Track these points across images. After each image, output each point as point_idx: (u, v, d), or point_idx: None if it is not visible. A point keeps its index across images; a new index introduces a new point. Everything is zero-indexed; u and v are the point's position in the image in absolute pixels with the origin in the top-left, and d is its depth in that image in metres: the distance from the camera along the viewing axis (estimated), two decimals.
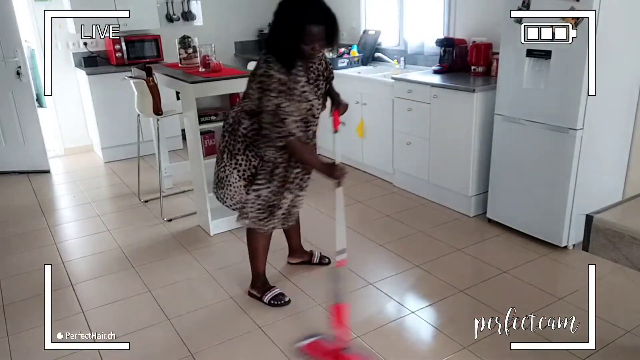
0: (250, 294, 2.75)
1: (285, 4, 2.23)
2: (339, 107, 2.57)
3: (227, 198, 2.54)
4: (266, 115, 2.25)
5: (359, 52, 4.87)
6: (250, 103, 2.32)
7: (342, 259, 2.32)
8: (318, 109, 2.46)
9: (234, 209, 2.59)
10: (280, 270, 3.01)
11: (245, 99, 2.38)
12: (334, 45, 2.28)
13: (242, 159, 2.44)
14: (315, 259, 3.06)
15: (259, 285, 2.73)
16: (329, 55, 3.19)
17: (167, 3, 5.49)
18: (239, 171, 2.45)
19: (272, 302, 2.66)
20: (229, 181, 2.48)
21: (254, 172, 2.45)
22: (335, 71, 4.86)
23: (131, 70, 4.13)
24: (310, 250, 3.08)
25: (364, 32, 4.98)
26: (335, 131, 2.47)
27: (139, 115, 4.00)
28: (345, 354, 2.18)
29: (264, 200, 2.49)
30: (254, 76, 2.30)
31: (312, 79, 2.37)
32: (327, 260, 3.06)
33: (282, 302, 2.66)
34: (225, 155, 2.48)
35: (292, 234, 2.99)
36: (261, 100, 2.24)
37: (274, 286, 2.73)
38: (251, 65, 4.23)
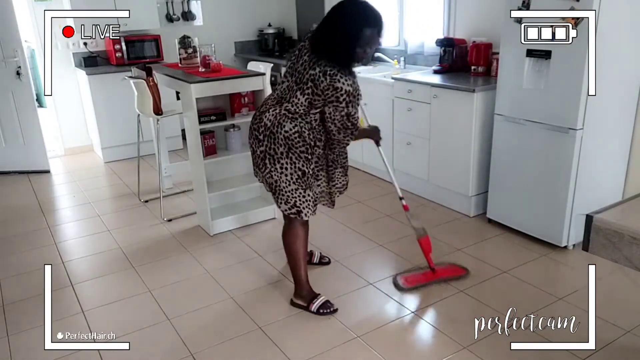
0: (294, 304, 2.65)
1: (341, 9, 2.30)
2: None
3: (281, 203, 2.48)
4: (337, 123, 2.33)
5: None
6: (299, 107, 2.33)
7: (404, 203, 2.90)
8: None
9: (289, 214, 2.50)
10: (280, 270, 3.01)
11: (288, 102, 2.35)
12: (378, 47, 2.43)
13: (286, 163, 2.38)
14: (316, 259, 3.06)
15: (305, 294, 2.62)
16: None
17: (167, 3, 5.49)
18: (286, 175, 2.40)
19: (321, 310, 2.56)
20: (279, 187, 2.44)
21: (301, 174, 2.41)
22: None
23: (131, 70, 4.13)
24: (311, 250, 3.05)
25: None
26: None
27: (139, 115, 4.00)
28: (438, 269, 2.86)
29: (306, 178, 2.45)
30: (312, 82, 2.28)
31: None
32: (327, 259, 3.07)
33: (331, 309, 2.57)
34: (267, 161, 2.41)
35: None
36: (330, 111, 2.30)
37: (319, 294, 2.63)
38: (251, 65, 4.24)
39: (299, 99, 2.33)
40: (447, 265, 2.95)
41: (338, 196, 2.79)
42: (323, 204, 2.76)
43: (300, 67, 2.35)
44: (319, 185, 2.62)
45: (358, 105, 2.37)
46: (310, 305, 2.59)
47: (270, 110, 2.42)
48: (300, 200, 2.44)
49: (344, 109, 2.28)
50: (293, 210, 2.47)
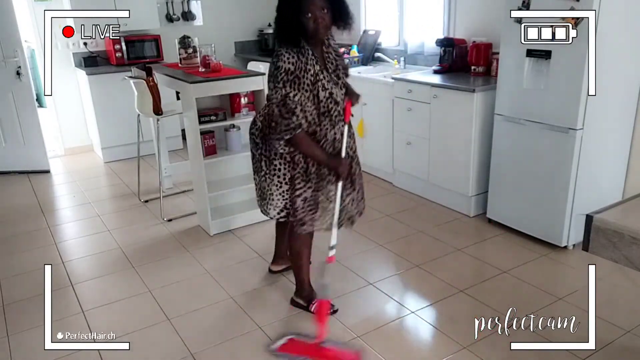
0: (294, 303, 2.64)
1: None
2: (352, 97, 2.44)
3: (270, 209, 2.45)
4: (275, 107, 2.18)
5: (358, 52, 4.87)
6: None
7: (332, 254, 2.33)
8: (341, 98, 2.36)
9: (279, 219, 2.48)
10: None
11: (268, 100, 2.28)
12: (339, 20, 2.21)
13: (279, 163, 2.34)
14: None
15: (305, 295, 2.61)
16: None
17: (167, 3, 5.49)
18: (278, 177, 2.36)
19: None
20: (270, 190, 2.40)
21: (294, 174, 2.34)
22: None
23: (131, 70, 4.13)
24: None
25: (364, 32, 4.98)
26: (345, 123, 2.37)
27: (139, 115, 4.00)
28: (324, 347, 2.18)
29: (312, 201, 2.36)
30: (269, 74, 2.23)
31: (330, 68, 2.30)
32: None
33: (331, 311, 2.50)
34: (263, 164, 2.40)
35: (284, 240, 2.81)
36: (270, 92, 2.20)
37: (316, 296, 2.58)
38: (251, 65, 4.24)
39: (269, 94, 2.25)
40: (340, 347, 2.27)
41: (345, 223, 2.51)
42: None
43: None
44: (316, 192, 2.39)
45: (301, 90, 2.18)
46: (310, 305, 2.58)
47: (262, 111, 2.41)
48: (292, 204, 2.38)
49: (282, 88, 2.15)
50: (283, 214, 2.43)
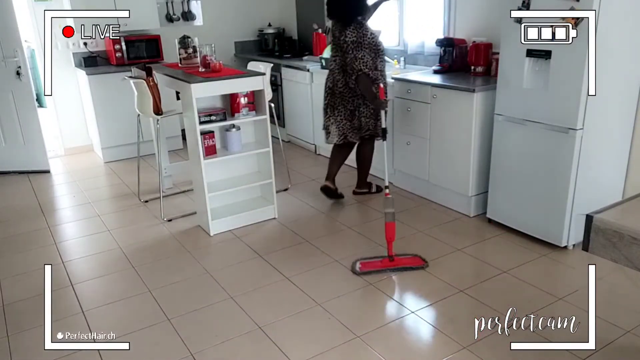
0: (357, 193, 4.11)
1: None
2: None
3: (334, 137, 3.76)
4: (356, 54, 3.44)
5: None
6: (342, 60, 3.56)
7: (387, 192, 3.13)
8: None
9: (338, 142, 3.79)
10: (280, 270, 3.01)
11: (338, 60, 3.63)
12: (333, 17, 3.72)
13: (339, 110, 3.70)
14: (374, 189, 4.10)
15: (365, 186, 4.08)
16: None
17: (167, 3, 5.49)
18: (341, 117, 3.71)
19: (379, 188, 4.01)
20: (331, 128, 3.76)
21: (349, 113, 3.66)
22: None
23: (131, 70, 4.13)
24: (369, 182, 4.10)
25: None
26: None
27: (139, 115, 4.00)
28: (396, 258, 2.99)
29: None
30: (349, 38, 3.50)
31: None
32: (381, 188, 3.88)
33: (382, 188, 3.50)
34: (328, 110, 3.77)
35: (362, 169, 4.07)
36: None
37: (370, 182, 4.08)
38: (251, 65, 4.25)
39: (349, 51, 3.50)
40: (409, 257, 3.03)
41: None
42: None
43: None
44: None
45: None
46: (370, 188, 4.09)
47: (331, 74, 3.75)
48: (348, 130, 3.77)
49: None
50: (342, 138, 3.78)
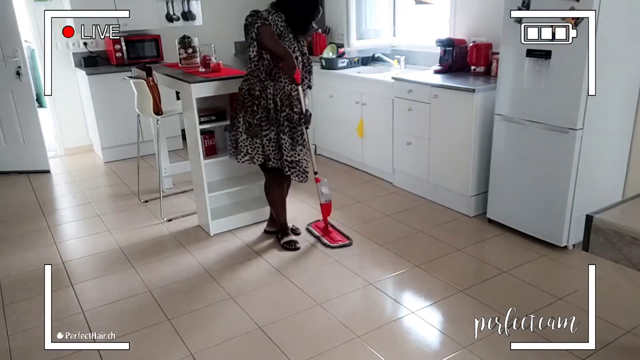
0: (268, 232, 3.44)
1: None
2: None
3: (238, 154, 3.11)
4: (245, 19, 2.84)
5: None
6: (250, 65, 2.96)
7: (317, 177, 3.32)
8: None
9: (243, 162, 3.11)
10: (280, 270, 3.01)
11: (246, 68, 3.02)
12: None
13: (240, 118, 3.02)
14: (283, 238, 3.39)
15: (281, 231, 3.31)
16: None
17: (167, 3, 5.49)
18: (240, 128, 3.03)
19: (285, 246, 3.23)
20: (238, 139, 3.06)
21: (248, 125, 3.01)
22: (335, 71, 4.90)
23: (131, 70, 4.13)
24: (283, 225, 3.39)
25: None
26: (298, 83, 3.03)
27: (139, 115, 4.00)
28: (330, 230, 3.42)
29: (265, 148, 3.04)
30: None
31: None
32: (298, 230, 3.47)
33: (294, 247, 3.22)
34: (235, 120, 3.06)
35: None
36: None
37: (290, 234, 3.33)
38: None
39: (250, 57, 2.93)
40: (341, 235, 3.39)
41: (294, 175, 3.08)
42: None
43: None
44: (268, 139, 3.02)
45: (260, 19, 2.80)
46: (281, 239, 3.28)
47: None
48: (250, 147, 3.04)
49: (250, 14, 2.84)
50: (247, 158, 3.06)
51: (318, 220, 3.57)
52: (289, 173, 3.07)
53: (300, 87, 3.01)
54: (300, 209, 3.85)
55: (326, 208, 3.38)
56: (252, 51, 2.88)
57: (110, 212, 4.01)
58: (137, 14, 4.80)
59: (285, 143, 3.01)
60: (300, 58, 2.99)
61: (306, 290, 2.78)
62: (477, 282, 2.83)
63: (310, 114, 3.17)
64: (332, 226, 3.49)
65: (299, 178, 3.08)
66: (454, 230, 3.45)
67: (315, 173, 3.35)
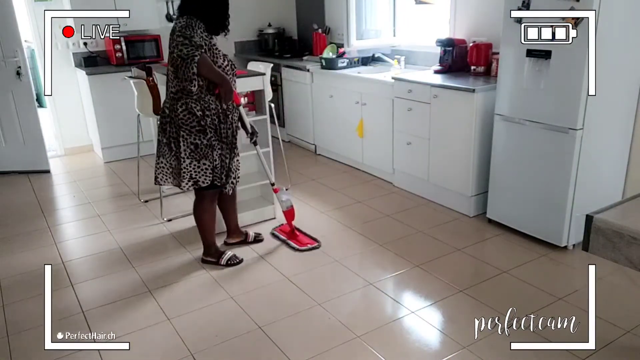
0: (205, 261, 3.10)
1: None
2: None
3: (183, 181, 2.80)
4: (175, 45, 2.65)
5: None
6: (174, 81, 2.72)
7: (275, 187, 3.37)
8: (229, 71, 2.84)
9: (189, 188, 2.85)
10: (281, 270, 3.01)
11: (171, 87, 2.75)
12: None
13: (181, 141, 2.74)
14: (251, 238, 3.35)
15: (213, 253, 3.08)
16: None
17: (167, 3, 5.49)
18: (182, 152, 2.74)
19: (229, 262, 3.05)
20: (180, 166, 2.77)
21: (194, 147, 2.75)
22: (335, 71, 4.90)
23: (131, 70, 4.12)
24: (245, 231, 3.37)
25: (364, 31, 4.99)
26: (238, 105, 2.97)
27: (139, 115, 4.00)
28: (296, 233, 3.37)
29: (215, 168, 2.81)
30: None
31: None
32: (261, 237, 3.38)
33: (237, 260, 3.08)
34: (173, 145, 2.78)
35: (230, 215, 3.27)
36: (174, 49, 2.66)
37: (225, 250, 3.12)
38: (251, 65, 4.24)
39: (170, 76, 2.74)
40: (308, 238, 3.36)
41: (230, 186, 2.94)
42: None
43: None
44: (220, 159, 2.82)
45: (194, 34, 2.63)
46: (219, 260, 3.05)
47: (166, 99, 2.81)
48: (195, 171, 2.79)
49: (179, 38, 2.64)
50: (191, 182, 2.81)
51: (282, 224, 3.51)
52: (231, 187, 2.95)
53: (241, 107, 2.94)
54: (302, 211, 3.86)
55: (289, 214, 3.34)
56: (186, 75, 2.63)
57: (110, 212, 4.01)
58: (137, 14, 4.80)
59: (234, 156, 2.89)
60: (229, 66, 2.82)
61: (306, 290, 2.78)
62: (477, 282, 2.83)
63: (257, 132, 3.17)
64: (299, 230, 3.42)
65: (232, 187, 2.97)
66: (454, 230, 3.45)
67: (272, 184, 3.39)
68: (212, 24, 2.73)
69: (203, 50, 2.64)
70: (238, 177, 3.01)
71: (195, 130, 2.73)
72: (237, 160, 2.96)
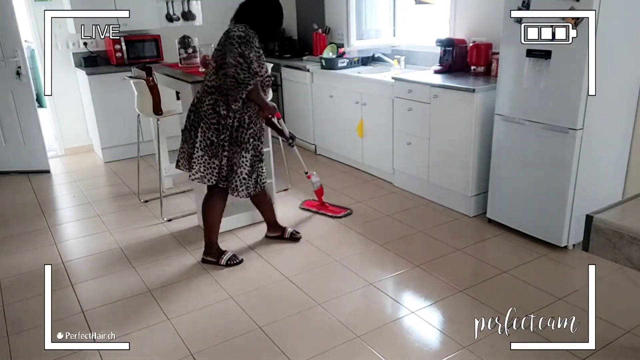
0: (205, 261, 3.11)
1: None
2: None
3: (192, 170, 2.88)
4: (232, 61, 2.66)
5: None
6: (212, 77, 2.77)
7: (308, 174, 3.76)
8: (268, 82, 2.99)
9: (195, 180, 2.91)
10: (281, 270, 3.01)
11: (206, 80, 2.83)
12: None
13: (199, 132, 2.81)
14: (287, 234, 3.38)
15: (214, 252, 3.10)
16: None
17: (167, 3, 5.49)
18: (198, 143, 2.82)
19: (229, 262, 3.06)
20: (192, 156, 2.86)
21: (209, 143, 2.81)
22: (335, 71, 4.90)
23: (131, 70, 4.13)
24: (284, 227, 3.41)
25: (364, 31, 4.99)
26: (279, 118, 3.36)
27: (139, 115, 4.00)
28: (329, 206, 3.82)
29: (221, 168, 2.86)
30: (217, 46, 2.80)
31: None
32: (298, 235, 3.39)
33: (237, 261, 3.09)
34: (192, 134, 2.86)
35: (265, 212, 3.36)
36: (226, 56, 2.68)
37: (226, 250, 3.13)
38: None
39: (210, 70, 2.80)
40: (337, 207, 3.81)
41: (240, 192, 2.94)
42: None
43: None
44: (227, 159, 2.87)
45: (255, 50, 2.73)
46: (219, 260, 3.06)
47: (199, 89, 2.90)
48: (204, 166, 2.85)
49: (237, 49, 2.66)
50: (197, 176, 2.87)
51: (306, 200, 3.95)
52: (239, 191, 2.92)
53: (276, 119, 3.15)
54: (302, 211, 3.86)
55: (319, 191, 3.80)
56: (235, 96, 2.73)
57: (110, 212, 4.01)
58: (137, 14, 4.80)
59: (245, 160, 2.86)
60: (268, 76, 2.97)
61: (306, 290, 2.78)
62: (477, 282, 2.83)
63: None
64: (328, 203, 3.85)
65: (247, 191, 2.93)
66: (454, 230, 3.45)
67: (306, 173, 3.76)
68: (265, 35, 2.86)
69: (257, 79, 2.75)
70: (264, 182, 3.02)
71: (214, 128, 2.80)
72: (262, 167, 2.99)
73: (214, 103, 2.78)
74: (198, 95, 2.87)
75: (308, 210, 3.83)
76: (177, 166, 3.05)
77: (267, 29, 2.85)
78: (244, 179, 2.89)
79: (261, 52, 2.84)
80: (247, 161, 2.88)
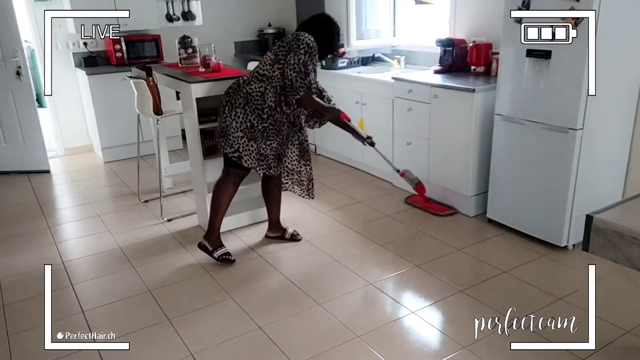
0: (201, 246, 3.12)
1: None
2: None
3: (227, 146, 2.92)
4: (295, 68, 2.77)
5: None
6: (267, 66, 2.86)
7: (402, 172, 3.61)
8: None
9: (231, 157, 2.94)
10: (281, 270, 3.01)
11: (259, 68, 2.90)
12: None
13: (240, 112, 2.86)
14: (287, 235, 3.37)
15: (213, 240, 3.10)
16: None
17: (167, 3, 5.49)
18: (237, 122, 2.86)
19: (221, 258, 3.07)
20: (228, 131, 2.89)
21: (249, 125, 2.86)
22: (335, 71, 4.90)
23: (131, 70, 4.13)
24: (285, 227, 3.39)
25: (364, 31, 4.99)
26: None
27: (139, 115, 4.00)
28: (430, 202, 3.79)
29: (261, 155, 2.93)
30: (280, 42, 2.88)
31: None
32: (299, 237, 3.37)
33: (230, 259, 3.08)
34: (227, 108, 2.91)
35: (272, 209, 3.37)
36: (291, 56, 2.78)
37: (223, 245, 3.13)
38: (251, 65, 4.25)
39: (266, 60, 2.87)
40: (440, 205, 3.79)
41: (289, 185, 3.15)
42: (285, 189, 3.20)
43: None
44: (270, 148, 2.95)
45: (314, 63, 2.86)
46: (214, 251, 3.07)
47: (250, 74, 2.97)
48: (243, 147, 2.88)
49: (302, 55, 2.76)
50: (236, 155, 2.91)
51: (413, 196, 3.92)
52: (286, 180, 3.14)
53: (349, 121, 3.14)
54: (304, 212, 3.86)
55: (420, 188, 3.65)
56: (287, 97, 2.88)
57: (110, 212, 4.01)
58: (137, 14, 4.79)
59: (292, 153, 3.07)
60: (316, 84, 3.04)
61: (306, 290, 2.78)
62: (477, 282, 2.83)
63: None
64: (431, 199, 3.82)
65: (296, 190, 3.17)
66: (454, 230, 3.45)
67: (398, 171, 3.59)
68: (323, 51, 2.97)
69: (309, 92, 2.90)
70: (289, 176, 3.13)
71: (257, 113, 2.86)
72: (308, 166, 3.13)
73: (264, 91, 2.85)
74: (246, 78, 2.94)
75: (413, 205, 3.82)
76: (216, 142, 3.10)
77: (323, 49, 2.95)
78: (291, 170, 3.10)
79: (316, 68, 2.97)
80: (295, 155, 3.07)
